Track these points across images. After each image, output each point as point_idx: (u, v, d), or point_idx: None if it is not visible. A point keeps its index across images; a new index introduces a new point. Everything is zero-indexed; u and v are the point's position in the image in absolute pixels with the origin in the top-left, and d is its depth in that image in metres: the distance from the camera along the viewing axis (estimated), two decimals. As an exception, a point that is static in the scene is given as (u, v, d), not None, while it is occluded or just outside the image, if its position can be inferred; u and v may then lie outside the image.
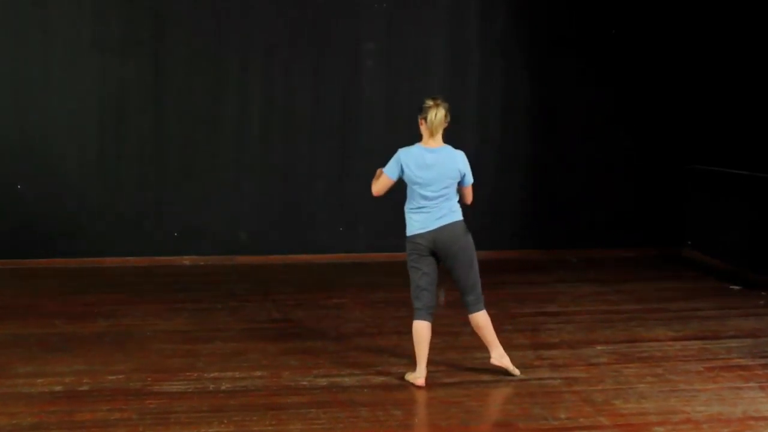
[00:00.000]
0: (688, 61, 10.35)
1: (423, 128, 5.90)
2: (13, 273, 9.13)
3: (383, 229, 9.95)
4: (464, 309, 6.09)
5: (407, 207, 5.94)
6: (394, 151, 9.69)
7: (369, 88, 9.98)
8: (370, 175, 9.69)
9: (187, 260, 9.74)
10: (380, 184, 5.96)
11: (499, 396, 5.79)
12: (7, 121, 9.44)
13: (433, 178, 5.82)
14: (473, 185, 6.05)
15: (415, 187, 5.86)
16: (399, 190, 6.17)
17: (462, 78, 10.12)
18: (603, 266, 9.80)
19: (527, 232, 10.32)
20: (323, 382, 5.97)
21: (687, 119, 10.40)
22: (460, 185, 5.96)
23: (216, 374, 6.07)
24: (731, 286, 8.88)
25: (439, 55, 10.09)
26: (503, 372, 6.12)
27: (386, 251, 9.92)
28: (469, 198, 6.05)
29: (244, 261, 9.77)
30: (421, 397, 5.75)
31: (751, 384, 6.02)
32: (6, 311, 7.71)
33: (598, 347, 6.81)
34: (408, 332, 7.00)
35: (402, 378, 6.06)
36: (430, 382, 5.97)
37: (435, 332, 6.42)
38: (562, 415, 5.42)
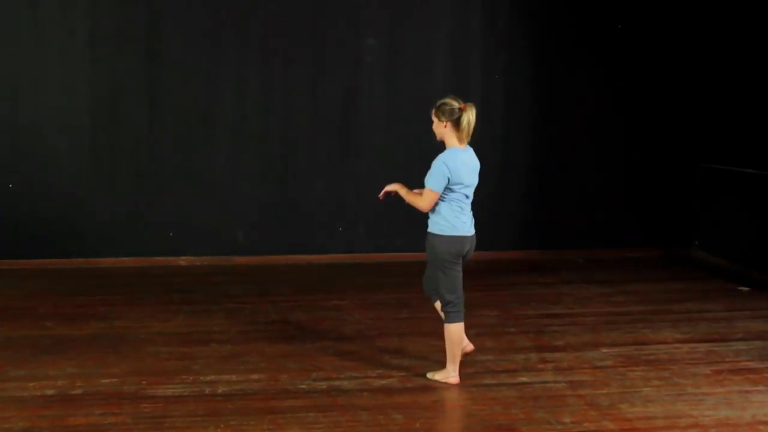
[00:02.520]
0: (696, 58, 10.29)
1: (449, 130, 5.86)
2: (4, 274, 9.02)
3: (384, 229, 9.88)
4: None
5: (450, 211, 5.84)
6: (396, 150, 9.73)
7: (369, 85, 9.88)
8: (370, 174, 9.74)
9: (183, 261, 9.65)
10: (429, 201, 5.83)
11: (502, 400, 5.70)
12: None
13: (474, 178, 5.91)
14: None
15: (459, 189, 5.82)
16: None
17: (463, 75, 10.03)
18: (609, 267, 9.73)
19: (531, 232, 10.24)
20: (322, 385, 5.90)
21: (694, 117, 10.33)
22: None
23: (212, 377, 6.01)
24: (740, 288, 8.81)
25: (441, 51, 10.00)
26: (505, 375, 6.11)
27: (387, 251, 9.84)
28: None
29: (242, 261, 9.70)
30: (422, 400, 5.68)
31: (760, 387, 5.96)
32: (-2, 313, 7.64)
33: (604, 350, 6.75)
34: (410, 334, 7.03)
35: (402, 380, 5.99)
36: (432, 385, 5.92)
37: (436, 335, 6.38)
38: (567, 419, 5.36)
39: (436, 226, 5.85)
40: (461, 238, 5.84)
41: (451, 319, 5.92)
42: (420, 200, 5.84)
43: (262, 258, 9.75)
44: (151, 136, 9.57)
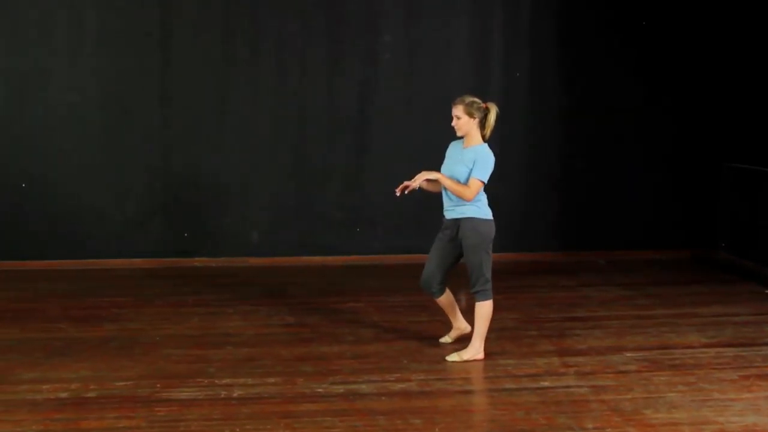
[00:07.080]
0: (721, 55, 10.14)
1: (475, 126, 6.28)
2: (13, 275, 8.99)
3: (401, 229, 9.78)
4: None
5: (485, 199, 6.34)
6: (413, 150, 9.62)
7: (386, 83, 9.77)
8: (387, 173, 9.60)
9: (197, 262, 9.59)
10: (477, 191, 6.25)
11: (523, 405, 5.61)
12: (8, 116, 9.27)
13: None
14: None
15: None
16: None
17: (484, 72, 9.90)
18: (631, 269, 9.61)
19: (552, 233, 10.12)
20: (339, 389, 5.84)
21: (720, 115, 10.17)
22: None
23: (228, 381, 5.96)
24: (767, 291, 8.67)
25: (460, 49, 9.87)
26: (527, 380, 6.05)
27: (404, 253, 9.73)
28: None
29: (257, 263, 9.63)
30: (442, 405, 5.61)
31: (789, 393, 5.88)
32: (8, 315, 7.58)
33: (628, 354, 6.66)
34: (428, 337, 6.99)
35: (421, 384, 5.90)
36: (451, 390, 5.86)
37: (456, 339, 6.29)
38: (589, 425, 5.28)
39: (480, 212, 6.28)
40: (493, 223, 6.35)
41: (486, 296, 6.34)
42: (467, 190, 6.19)
43: (277, 259, 9.69)
44: (163, 135, 9.50)
